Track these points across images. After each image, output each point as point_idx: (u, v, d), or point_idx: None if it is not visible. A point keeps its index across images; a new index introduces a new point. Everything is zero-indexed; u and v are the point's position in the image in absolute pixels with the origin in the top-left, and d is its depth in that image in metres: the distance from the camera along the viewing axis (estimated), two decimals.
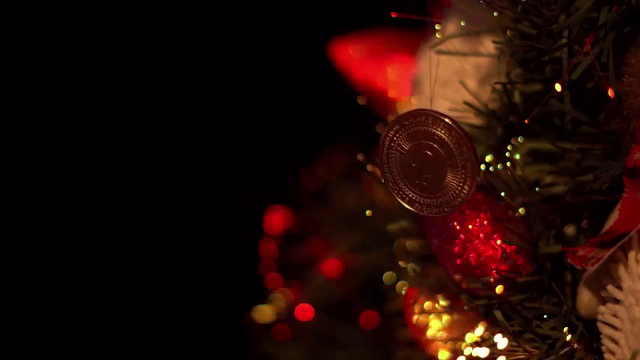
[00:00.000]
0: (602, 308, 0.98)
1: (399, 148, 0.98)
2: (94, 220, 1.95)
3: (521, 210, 1.04)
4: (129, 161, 1.95)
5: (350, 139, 1.50)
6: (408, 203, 0.99)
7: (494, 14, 1.01)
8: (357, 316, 1.53)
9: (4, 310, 1.90)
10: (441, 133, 0.96)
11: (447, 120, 0.95)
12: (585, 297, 1.01)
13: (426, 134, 0.96)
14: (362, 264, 1.50)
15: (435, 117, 0.96)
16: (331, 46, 1.52)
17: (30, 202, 1.94)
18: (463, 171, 0.96)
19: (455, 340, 1.09)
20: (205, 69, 1.95)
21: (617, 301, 0.96)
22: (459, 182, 0.96)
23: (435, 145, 0.97)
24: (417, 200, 0.99)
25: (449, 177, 0.97)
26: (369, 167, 1.15)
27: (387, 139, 0.98)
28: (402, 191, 0.99)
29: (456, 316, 1.10)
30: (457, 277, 1.06)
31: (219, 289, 1.91)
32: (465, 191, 0.96)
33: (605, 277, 0.97)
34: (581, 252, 0.96)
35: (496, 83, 1.06)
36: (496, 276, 1.03)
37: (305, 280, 1.59)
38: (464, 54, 1.11)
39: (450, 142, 0.96)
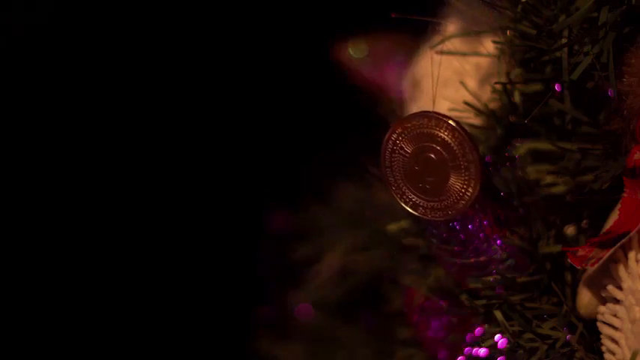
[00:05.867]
0: (602, 308, 0.98)
1: (401, 152, 0.98)
2: (94, 221, 1.95)
3: (521, 210, 1.04)
4: (129, 161, 1.95)
5: (351, 139, 1.50)
6: (411, 207, 0.99)
7: (495, 14, 1.01)
8: (357, 316, 1.53)
9: (4, 310, 1.90)
10: (443, 135, 0.96)
11: (450, 122, 0.95)
12: (585, 297, 1.01)
13: (429, 136, 0.96)
14: (362, 264, 1.50)
15: (437, 119, 0.95)
16: (331, 46, 1.52)
17: (30, 202, 1.94)
18: (466, 173, 0.96)
19: (455, 340, 1.09)
20: (206, 69, 1.95)
21: (617, 301, 0.96)
22: (463, 185, 0.96)
23: (438, 148, 0.96)
24: (421, 204, 0.98)
25: (452, 179, 0.96)
26: (370, 168, 1.15)
27: (390, 142, 0.98)
28: (405, 195, 0.99)
29: (456, 316, 1.10)
30: (457, 277, 1.06)
31: (219, 289, 1.91)
32: (468, 193, 0.96)
33: (605, 277, 0.97)
34: (581, 252, 0.96)
35: (496, 83, 1.06)
36: (496, 276, 1.03)
37: (305, 280, 1.59)
38: (464, 54, 1.11)
39: (453, 144, 0.95)
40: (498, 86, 1.06)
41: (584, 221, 1.06)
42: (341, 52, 1.52)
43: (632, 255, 0.95)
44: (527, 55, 1.02)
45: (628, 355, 0.94)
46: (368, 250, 1.46)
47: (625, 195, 0.96)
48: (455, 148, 0.95)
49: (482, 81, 1.15)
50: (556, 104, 1.01)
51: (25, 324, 1.92)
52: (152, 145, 1.96)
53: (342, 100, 1.52)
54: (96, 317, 1.92)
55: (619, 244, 0.94)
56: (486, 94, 1.10)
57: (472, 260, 1.04)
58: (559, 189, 1.04)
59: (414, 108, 1.25)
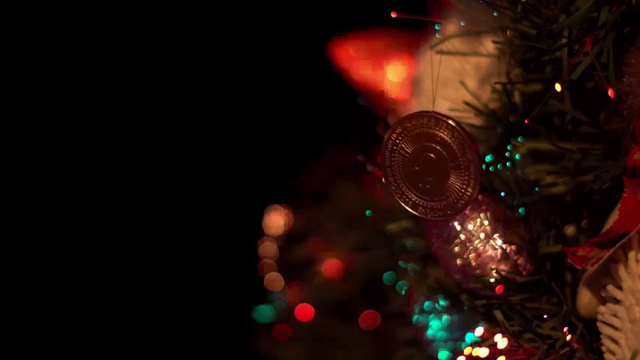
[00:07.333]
0: (602, 308, 0.98)
1: (401, 152, 0.98)
2: (94, 221, 1.95)
3: (521, 210, 1.04)
4: (129, 161, 1.95)
5: (350, 139, 1.50)
6: (411, 207, 0.99)
7: (494, 14, 1.01)
8: (357, 316, 1.53)
9: (4, 310, 1.90)
10: (443, 135, 0.96)
11: (449, 122, 0.95)
12: (585, 297, 1.01)
13: (429, 136, 0.96)
14: (362, 264, 1.50)
15: (437, 119, 0.95)
16: (331, 46, 1.52)
17: (30, 203, 1.94)
18: (466, 173, 0.96)
19: (455, 340, 1.09)
20: (206, 69, 1.95)
21: (617, 301, 0.96)
22: (463, 184, 0.96)
23: (438, 148, 0.96)
24: (421, 204, 0.98)
25: (452, 179, 0.96)
26: (369, 167, 1.15)
27: (390, 142, 0.98)
28: (405, 195, 0.99)
29: (455, 316, 1.10)
30: (457, 277, 1.06)
31: (220, 289, 1.91)
32: (468, 193, 0.96)
33: (605, 277, 0.97)
34: (581, 252, 0.96)
35: (496, 83, 1.06)
36: (496, 276, 1.03)
37: (305, 280, 1.59)
38: (464, 54, 1.11)
39: (452, 143, 0.95)
40: (498, 86, 1.06)
41: (584, 221, 1.06)
42: (341, 52, 1.52)
43: (632, 255, 0.95)
44: (527, 55, 1.02)
45: (628, 355, 0.94)
46: (368, 250, 1.46)
47: (625, 195, 0.96)
48: (454, 147, 0.95)
49: (482, 81, 1.15)
50: (556, 104, 1.01)
51: (25, 324, 1.92)
52: (152, 145, 1.96)
53: (342, 101, 1.52)
54: (96, 317, 1.92)
55: (619, 244, 0.94)
56: (486, 94, 1.10)
57: (472, 260, 1.04)
58: (559, 189, 1.05)
59: (415, 108, 1.25)
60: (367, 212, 1.34)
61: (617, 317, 0.96)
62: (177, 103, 1.95)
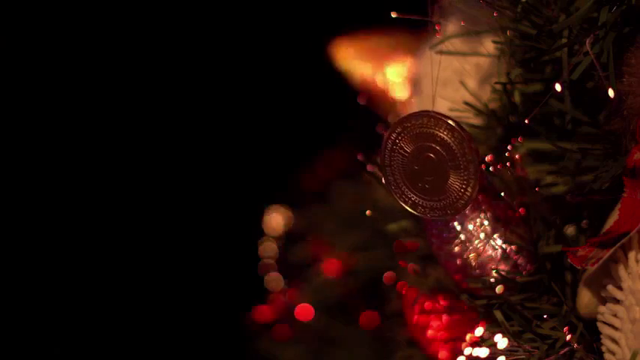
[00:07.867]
0: (602, 308, 0.98)
1: (401, 151, 0.98)
2: (94, 221, 1.95)
3: (521, 210, 1.04)
4: (129, 161, 1.95)
5: (350, 139, 1.50)
6: (411, 207, 0.99)
7: (494, 14, 1.01)
8: (357, 316, 1.53)
9: (4, 310, 1.90)
10: (443, 134, 0.96)
11: (449, 121, 0.95)
12: (585, 297, 1.01)
13: (429, 136, 0.96)
14: (362, 264, 1.50)
15: (437, 119, 0.96)
16: (331, 46, 1.52)
17: (30, 203, 1.94)
18: (466, 173, 0.96)
19: (455, 340, 1.09)
20: (206, 69, 1.95)
21: (617, 301, 0.96)
22: (462, 184, 0.96)
23: (438, 147, 0.96)
24: (420, 203, 0.99)
25: (451, 179, 0.96)
26: (369, 167, 1.15)
27: (390, 141, 0.98)
28: (404, 195, 0.99)
29: (456, 316, 1.10)
30: (457, 277, 1.06)
31: (220, 289, 1.91)
32: (467, 193, 0.96)
33: (605, 277, 0.97)
34: (581, 252, 0.96)
35: (496, 83, 1.06)
36: (496, 276, 1.03)
37: (305, 280, 1.59)
38: (464, 54, 1.11)
39: (452, 143, 0.95)
40: (498, 86, 1.06)
41: (584, 221, 1.06)
42: (341, 52, 1.52)
43: (632, 255, 0.95)
44: (527, 55, 1.02)
45: (628, 355, 0.94)
46: (368, 250, 1.46)
47: (625, 195, 0.96)
48: (454, 147, 0.96)
49: (482, 81, 1.15)
50: (556, 104, 1.01)
51: (25, 324, 1.92)
52: (152, 146, 1.96)
53: (342, 100, 1.52)
54: (96, 317, 1.92)
55: (619, 244, 0.94)
56: (486, 94, 1.10)
57: (472, 260, 1.04)
58: (559, 189, 1.05)
59: (415, 108, 1.25)
60: (367, 212, 1.34)
61: (617, 317, 0.96)
62: (177, 104, 1.95)
